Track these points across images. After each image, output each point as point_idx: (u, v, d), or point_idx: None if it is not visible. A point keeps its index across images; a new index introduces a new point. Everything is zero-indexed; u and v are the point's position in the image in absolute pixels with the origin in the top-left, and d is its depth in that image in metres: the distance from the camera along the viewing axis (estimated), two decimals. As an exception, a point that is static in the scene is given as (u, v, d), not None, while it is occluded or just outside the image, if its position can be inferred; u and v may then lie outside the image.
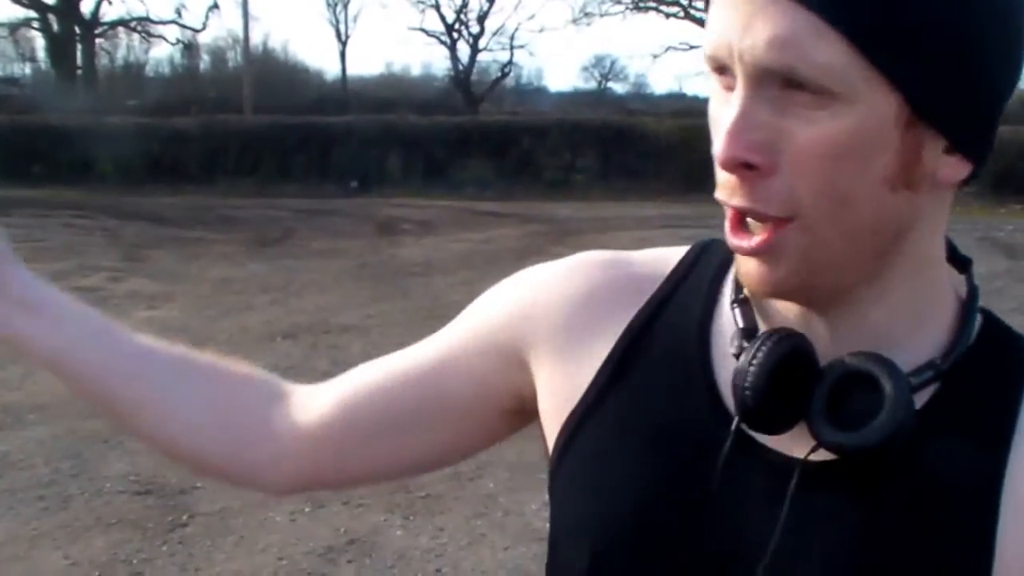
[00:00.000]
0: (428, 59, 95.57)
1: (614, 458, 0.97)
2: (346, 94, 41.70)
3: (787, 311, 0.93)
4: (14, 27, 41.92)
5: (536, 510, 5.28)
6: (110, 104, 31.85)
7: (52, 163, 24.50)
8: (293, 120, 26.22)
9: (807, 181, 0.81)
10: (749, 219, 0.85)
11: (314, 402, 1.15)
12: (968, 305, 0.94)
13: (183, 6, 50.20)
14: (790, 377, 0.88)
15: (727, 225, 0.87)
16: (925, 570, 0.86)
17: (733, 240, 0.86)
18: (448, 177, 24.13)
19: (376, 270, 13.21)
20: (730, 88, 0.83)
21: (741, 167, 0.82)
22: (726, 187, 0.85)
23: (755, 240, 0.84)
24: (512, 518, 5.30)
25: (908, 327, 0.91)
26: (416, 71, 62.19)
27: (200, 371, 1.17)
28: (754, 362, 0.88)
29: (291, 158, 24.79)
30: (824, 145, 0.80)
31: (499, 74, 46.06)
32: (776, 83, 0.80)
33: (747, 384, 0.88)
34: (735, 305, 0.96)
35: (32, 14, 38.70)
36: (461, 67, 43.70)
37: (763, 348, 0.88)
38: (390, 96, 40.14)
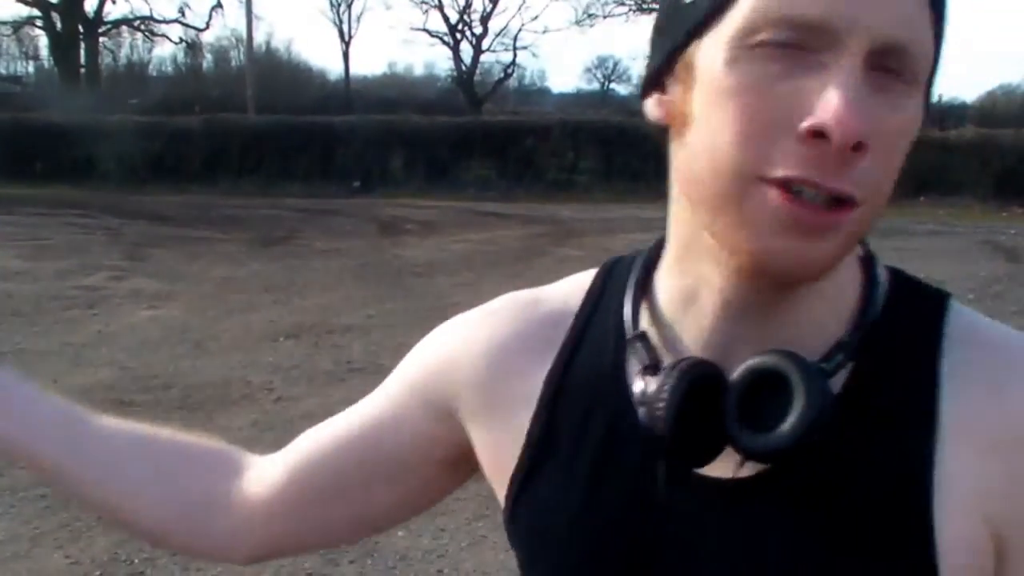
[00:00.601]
0: (431, 59, 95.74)
1: (559, 517, 0.96)
2: (349, 94, 41.78)
3: (696, 336, 0.92)
4: (17, 25, 42.05)
5: (538, 512, 5.24)
6: (113, 103, 31.87)
7: (55, 162, 24.54)
8: (296, 120, 26.25)
9: (888, 167, 0.82)
10: (806, 191, 0.79)
11: (267, 474, 1.15)
12: (869, 272, 0.93)
13: (186, 5, 50.30)
14: (703, 402, 0.86)
15: (781, 202, 0.80)
16: (870, 568, 0.85)
17: (795, 217, 0.80)
18: (450, 177, 24.14)
19: (378, 270, 13.21)
20: (799, 62, 0.79)
21: (859, 145, 0.78)
22: (814, 165, 0.78)
23: (830, 216, 0.80)
24: (514, 519, 5.29)
25: (825, 309, 0.90)
26: (419, 71, 62.20)
27: (158, 449, 1.18)
28: (659, 408, 0.86)
29: (294, 158, 24.80)
30: (907, 132, 0.82)
31: (502, 75, 46.15)
32: (878, 64, 0.79)
33: (659, 430, 0.86)
34: (636, 341, 0.94)
35: (35, 12, 38.80)
36: (464, 67, 43.77)
37: (666, 388, 0.86)
38: (393, 96, 40.25)
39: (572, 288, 1.06)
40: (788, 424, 0.83)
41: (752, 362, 0.86)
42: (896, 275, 0.95)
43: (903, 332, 0.90)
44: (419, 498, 1.13)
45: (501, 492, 1.03)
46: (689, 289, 0.92)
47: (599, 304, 1.02)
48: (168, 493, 1.16)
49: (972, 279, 11.97)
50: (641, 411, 0.88)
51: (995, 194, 21.19)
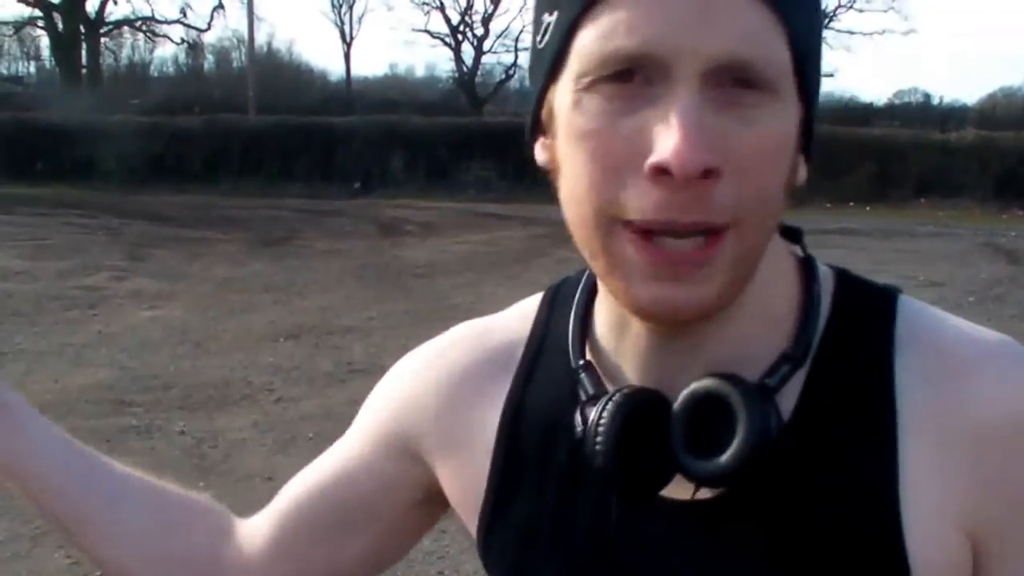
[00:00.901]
0: (432, 60, 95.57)
1: (529, 547, 0.96)
2: (350, 95, 41.76)
3: (636, 361, 0.90)
4: (19, 26, 42.04)
5: (538, 513, 5.24)
6: (114, 103, 31.85)
7: (56, 162, 24.53)
8: (297, 120, 26.24)
9: (750, 184, 0.78)
10: (667, 238, 0.78)
11: (255, 533, 1.15)
12: (806, 279, 0.91)
13: (188, 6, 50.32)
14: (647, 430, 0.85)
15: (637, 251, 0.79)
16: None
17: (655, 265, 0.79)
18: (451, 179, 24.13)
19: (379, 271, 13.21)
20: (634, 96, 0.77)
21: (704, 175, 0.75)
22: (666, 205, 0.76)
23: (692, 256, 0.78)
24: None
25: (763, 324, 0.88)
26: (420, 72, 62.15)
27: (167, 499, 1.17)
28: (598, 441, 0.85)
29: (294, 158, 24.79)
30: (768, 145, 0.78)
31: (503, 76, 46.06)
32: (722, 81, 0.76)
33: (599, 464, 0.85)
34: (580, 372, 0.92)
35: (37, 13, 38.75)
36: (465, 69, 43.73)
37: (602, 421, 0.85)
38: (394, 97, 40.21)
39: (521, 314, 1.05)
40: (732, 448, 0.81)
41: (692, 387, 0.85)
42: (841, 276, 0.93)
43: (853, 336, 0.88)
44: (399, 540, 1.13)
45: (471, 525, 1.02)
46: (620, 317, 0.91)
47: (547, 331, 1.01)
48: (159, 550, 1.15)
49: (973, 281, 11.97)
50: (584, 452, 0.87)
51: (995, 196, 21.19)
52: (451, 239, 16.26)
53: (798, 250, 0.93)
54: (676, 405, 0.85)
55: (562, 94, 0.82)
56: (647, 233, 0.78)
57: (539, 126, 0.89)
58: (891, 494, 0.83)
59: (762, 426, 0.81)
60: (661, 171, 0.75)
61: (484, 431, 1.00)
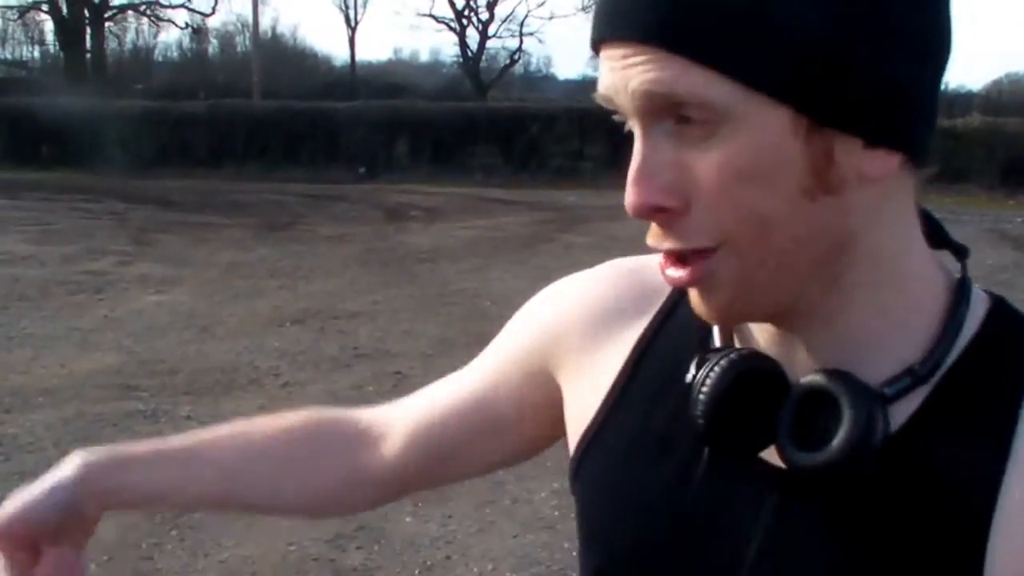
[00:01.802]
0: (437, 45, 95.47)
1: (618, 477, 1.00)
2: (355, 80, 41.70)
3: (762, 329, 0.93)
4: (23, 10, 42.03)
5: (545, 498, 5.29)
6: (118, 88, 31.85)
7: (60, 146, 24.52)
8: (301, 105, 26.23)
9: (723, 210, 0.80)
10: (668, 269, 0.86)
11: (393, 438, 1.23)
12: (955, 300, 0.89)
13: (192, -10, 50.09)
14: (754, 398, 0.87)
15: (662, 262, 0.87)
16: None
17: (668, 275, 0.86)
18: (456, 164, 24.11)
19: (384, 256, 13.22)
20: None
21: (655, 212, 0.82)
22: (652, 233, 0.85)
23: (688, 272, 0.84)
24: (521, 506, 5.31)
25: (883, 331, 0.88)
26: (425, 57, 62.10)
27: (275, 454, 1.25)
28: (703, 390, 0.88)
29: (299, 143, 24.77)
30: (725, 170, 0.79)
31: (508, 61, 46.02)
32: (667, 119, 0.81)
33: (698, 412, 0.88)
34: (713, 324, 0.95)
35: (41, -3, 38.71)
36: (470, 54, 43.65)
37: (711, 374, 0.88)
38: (398, 82, 40.17)
39: None
40: (830, 448, 0.83)
41: (808, 379, 0.86)
42: (997, 304, 0.92)
43: (989, 365, 0.87)
44: (531, 447, 1.20)
45: (572, 447, 1.07)
46: None
47: None
48: (311, 483, 1.25)
49: (979, 268, 11.95)
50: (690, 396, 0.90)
51: (1001, 182, 21.14)
52: (456, 224, 16.25)
53: (954, 266, 0.92)
54: (795, 388, 0.87)
55: None
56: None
57: None
58: (983, 528, 0.83)
59: (866, 430, 0.82)
60: None
61: (613, 361, 1.03)
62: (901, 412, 0.86)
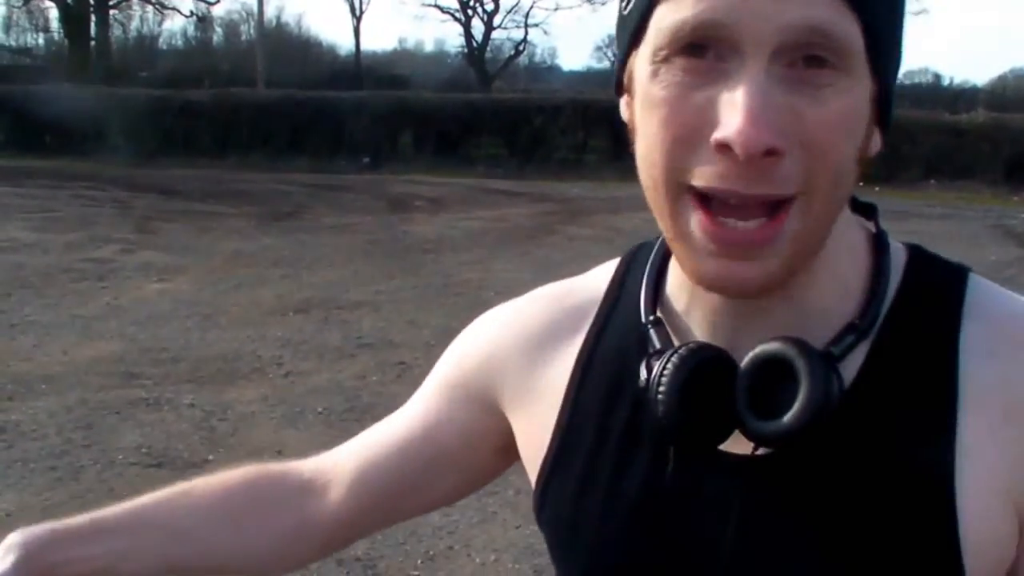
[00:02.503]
0: (442, 36, 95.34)
1: (580, 503, 1.00)
2: (359, 69, 41.67)
3: (704, 321, 0.94)
4: (28, -3, 41.92)
5: (546, 489, 5.24)
6: (123, 76, 31.84)
7: (64, 134, 24.50)
8: (306, 95, 26.18)
9: (821, 159, 0.81)
10: (732, 220, 0.82)
11: (339, 484, 1.21)
12: (878, 253, 0.93)
13: (197, -22, 50.00)
14: (711, 386, 0.88)
15: (701, 227, 0.83)
16: (890, 553, 0.85)
17: (720, 244, 0.82)
18: (460, 155, 24.09)
19: (387, 246, 13.21)
20: (707, 71, 0.81)
21: (767, 153, 0.79)
22: (730, 176, 0.80)
23: (762, 229, 0.82)
24: (524, 497, 5.29)
25: (832, 294, 0.91)
26: (430, 48, 62.11)
27: (233, 511, 1.21)
28: (661, 389, 0.88)
29: (303, 133, 24.75)
30: (840, 121, 0.81)
31: (513, 52, 45.99)
32: (791, 60, 0.79)
33: (660, 412, 0.88)
34: (649, 327, 0.96)
35: (46, -16, 38.69)
36: (475, 44, 43.64)
37: (666, 373, 0.88)
38: (403, 72, 40.15)
39: (600, 275, 1.09)
40: (792, 411, 0.84)
41: (759, 349, 0.87)
42: (913, 252, 0.96)
43: (921, 310, 0.91)
44: (475, 480, 1.20)
45: (532, 477, 1.06)
46: (696, 290, 0.94)
47: (622, 290, 1.04)
48: (259, 540, 1.21)
49: (983, 264, 11.95)
50: (647, 399, 0.90)
51: (1006, 178, 21.11)
52: (460, 215, 16.24)
53: (871, 225, 0.96)
54: (742, 364, 0.88)
55: (641, 63, 0.85)
56: (709, 203, 0.82)
57: (622, 86, 0.92)
58: (946, 469, 0.85)
59: (824, 391, 0.84)
60: (725, 146, 0.79)
61: (556, 385, 1.04)
62: (850, 369, 0.88)
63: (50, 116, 24.21)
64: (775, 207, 0.81)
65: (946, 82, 43.76)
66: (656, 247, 1.03)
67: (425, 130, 24.71)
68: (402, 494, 1.18)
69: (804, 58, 0.79)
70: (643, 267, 1.02)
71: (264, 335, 8.47)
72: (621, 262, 1.08)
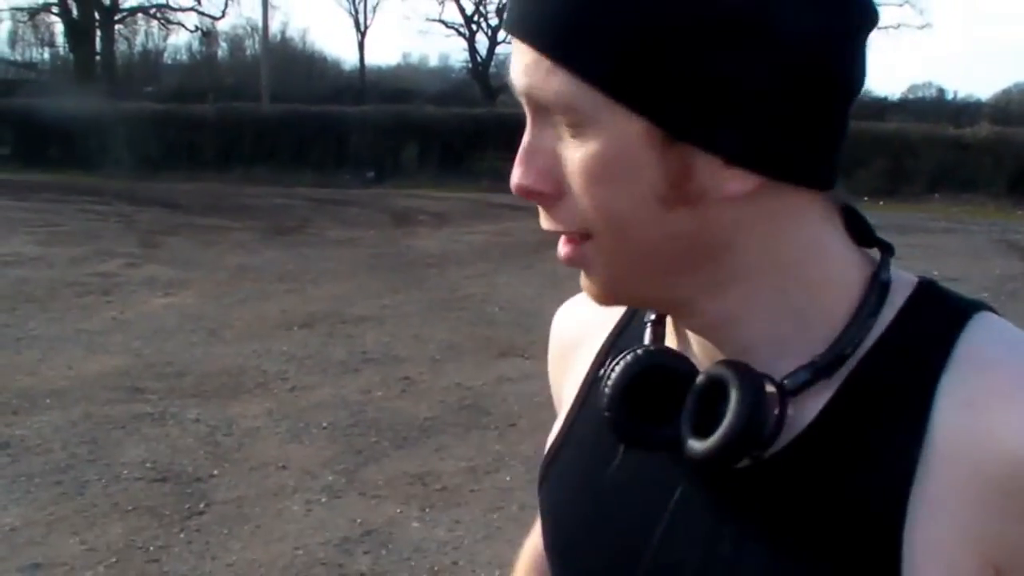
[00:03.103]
0: (446, 50, 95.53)
1: (561, 495, 1.06)
2: (363, 84, 41.74)
3: (693, 336, 0.96)
4: (33, 12, 42.07)
5: (551, 504, 5.24)
6: (127, 90, 31.92)
7: (69, 148, 24.60)
8: (310, 109, 26.26)
9: (584, 202, 0.85)
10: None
11: None
12: (866, 295, 0.90)
13: (202, -7, 50.12)
14: (662, 392, 0.91)
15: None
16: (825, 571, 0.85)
17: (558, 250, 0.91)
18: (464, 169, 24.13)
19: (392, 261, 13.22)
20: None
21: (531, 194, 0.87)
22: (541, 217, 0.90)
23: (566, 251, 0.90)
24: (528, 512, 5.26)
25: (787, 332, 0.89)
26: (434, 62, 62.16)
27: None
28: (608, 383, 0.93)
29: (307, 147, 24.82)
30: (582, 167, 0.83)
31: (516, 66, 46.01)
32: (550, 111, 0.85)
33: (603, 405, 0.93)
34: (648, 324, 1.01)
35: (52, 0, 38.81)
36: (479, 59, 43.69)
37: (616, 369, 0.93)
38: (407, 87, 40.23)
39: None
40: (718, 432, 0.86)
41: (708, 370, 0.89)
42: (920, 289, 0.92)
43: (907, 351, 0.88)
44: None
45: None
46: None
47: None
48: None
49: (987, 277, 11.95)
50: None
51: (1009, 192, 21.13)
52: (464, 229, 16.27)
53: (875, 261, 0.94)
54: (696, 381, 0.90)
55: None
56: None
57: None
58: (897, 518, 0.82)
59: (748, 417, 0.84)
60: None
61: (577, 381, 1.09)
62: (812, 406, 0.87)
63: (55, 130, 24.30)
64: (574, 239, 0.89)
65: (950, 96, 43.72)
66: None
67: (429, 144, 24.75)
68: None
69: (551, 109, 0.84)
70: None
71: (269, 349, 8.47)
72: None
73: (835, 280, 0.91)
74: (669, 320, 0.99)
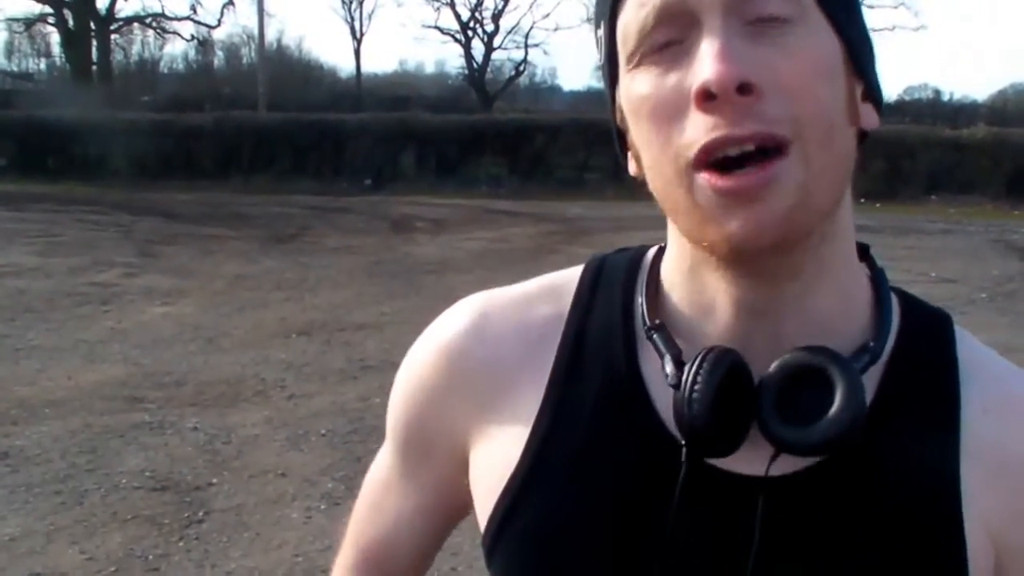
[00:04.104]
0: (442, 57, 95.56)
1: (572, 517, 0.92)
2: (360, 91, 41.75)
3: (712, 332, 0.90)
4: (30, 22, 42.07)
5: (550, 509, 5.24)
6: (124, 100, 31.92)
7: (66, 158, 24.60)
8: (307, 117, 26.25)
9: (803, 103, 0.81)
10: (735, 170, 0.80)
11: None
12: (880, 284, 0.94)
13: (198, 2, 50.13)
14: (732, 392, 0.84)
15: (710, 185, 0.81)
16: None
17: (726, 182, 0.80)
18: (461, 175, 24.15)
19: (390, 268, 13.23)
20: (675, 57, 0.83)
21: (737, 91, 0.78)
22: (718, 124, 0.80)
23: (756, 175, 0.80)
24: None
25: (841, 311, 0.89)
26: (430, 69, 62.22)
27: None
28: (696, 388, 0.84)
29: (305, 155, 24.83)
30: (810, 65, 0.82)
31: (513, 72, 46.10)
32: (746, 19, 0.81)
33: (694, 412, 0.83)
34: (651, 332, 0.92)
35: (48, 9, 38.79)
36: (475, 65, 43.74)
37: (703, 370, 0.84)
38: (404, 94, 40.23)
39: (552, 287, 1.04)
40: (830, 418, 0.82)
41: (788, 357, 0.85)
42: (902, 293, 0.96)
43: (923, 352, 0.92)
44: (456, 518, 1.18)
45: (490, 505, 0.98)
46: (706, 302, 0.91)
47: (594, 300, 0.99)
48: None
49: (985, 278, 11.94)
50: (676, 399, 0.86)
51: (1007, 193, 21.15)
52: (462, 236, 16.26)
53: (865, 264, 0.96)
54: (771, 370, 0.85)
55: (622, 87, 0.88)
56: (712, 163, 0.81)
57: (623, 138, 0.93)
58: (955, 497, 0.86)
59: (860, 402, 0.83)
60: (705, 96, 0.79)
61: (526, 408, 0.96)
62: (867, 391, 0.86)
63: (52, 140, 24.30)
64: (771, 152, 0.80)
65: (946, 97, 43.74)
66: (642, 263, 1.00)
67: (426, 151, 24.77)
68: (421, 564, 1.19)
69: (757, 19, 0.81)
70: (617, 281, 0.99)
71: (267, 358, 8.47)
72: (584, 269, 1.04)
73: (858, 267, 0.94)
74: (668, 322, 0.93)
